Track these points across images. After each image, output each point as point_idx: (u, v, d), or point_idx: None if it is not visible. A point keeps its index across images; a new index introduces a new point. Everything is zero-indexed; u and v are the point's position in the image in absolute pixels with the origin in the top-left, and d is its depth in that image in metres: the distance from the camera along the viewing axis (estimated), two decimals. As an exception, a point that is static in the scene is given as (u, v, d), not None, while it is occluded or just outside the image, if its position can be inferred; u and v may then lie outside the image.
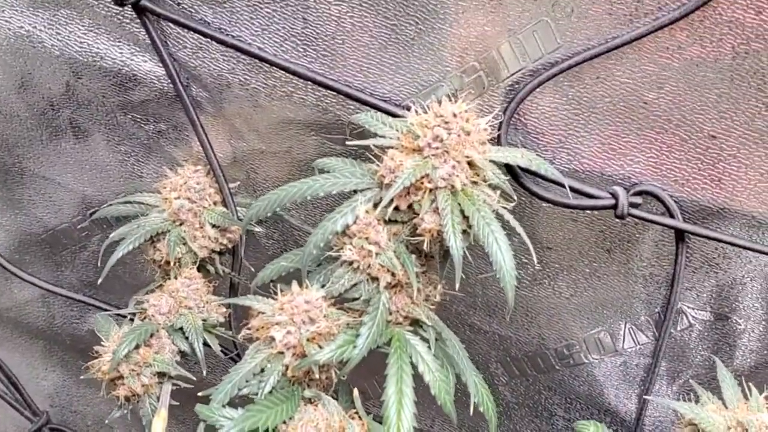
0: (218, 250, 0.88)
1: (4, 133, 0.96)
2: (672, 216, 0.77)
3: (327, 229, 0.70)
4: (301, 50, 0.78)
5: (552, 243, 0.83)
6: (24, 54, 0.87)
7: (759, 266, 0.81)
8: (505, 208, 0.69)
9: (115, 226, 0.94)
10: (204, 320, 0.84)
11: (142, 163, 0.93)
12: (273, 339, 0.70)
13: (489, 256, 0.66)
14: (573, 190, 0.75)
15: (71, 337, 1.21)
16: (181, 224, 0.85)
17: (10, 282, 1.17)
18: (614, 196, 0.76)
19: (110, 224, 1.01)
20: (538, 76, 0.73)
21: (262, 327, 0.72)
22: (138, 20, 0.80)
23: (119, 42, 0.84)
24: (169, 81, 0.83)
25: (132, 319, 0.85)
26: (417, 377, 0.71)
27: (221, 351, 0.87)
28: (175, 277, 0.85)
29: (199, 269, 0.87)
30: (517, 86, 0.75)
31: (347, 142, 0.80)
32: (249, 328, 0.73)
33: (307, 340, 0.69)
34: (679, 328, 0.86)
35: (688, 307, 0.85)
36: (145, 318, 0.83)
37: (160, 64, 0.83)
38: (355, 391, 0.70)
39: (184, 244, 0.85)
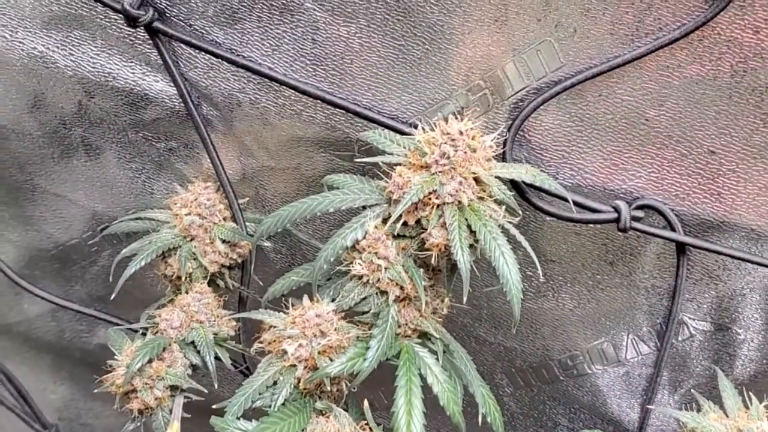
0: (228, 264, 0.89)
1: (16, 151, 0.97)
2: (673, 229, 0.78)
3: (337, 245, 0.72)
4: (311, 70, 0.79)
5: (556, 256, 0.84)
6: (37, 74, 0.88)
7: (758, 278, 0.82)
8: (510, 222, 0.70)
9: (125, 242, 0.94)
10: (215, 334, 0.85)
11: (152, 180, 0.95)
12: (285, 352, 0.72)
13: (495, 269, 0.68)
14: (576, 204, 0.77)
15: (80, 351, 1.22)
16: (191, 240, 0.86)
17: (21, 297, 1.18)
18: (617, 210, 0.77)
19: (120, 240, 1.01)
20: (541, 94, 0.74)
21: (274, 341, 0.73)
22: (150, 41, 0.81)
23: (131, 62, 0.85)
24: (181, 100, 0.84)
25: (144, 334, 0.86)
26: (425, 388, 0.72)
27: (231, 364, 0.87)
28: (186, 292, 0.86)
29: (209, 284, 0.87)
30: (521, 104, 0.76)
31: (356, 159, 0.81)
32: (261, 342, 0.74)
33: (319, 353, 0.71)
34: (680, 339, 0.87)
35: (689, 318, 0.86)
36: (157, 332, 0.84)
37: (172, 84, 0.84)
38: (365, 403, 0.71)
39: (195, 259, 0.86)
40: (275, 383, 0.72)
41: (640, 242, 0.82)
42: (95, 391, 0.83)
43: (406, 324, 0.74)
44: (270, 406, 0.71)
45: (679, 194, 0.78)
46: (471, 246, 0.69)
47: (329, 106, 0.81)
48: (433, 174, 0.69)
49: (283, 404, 0.71)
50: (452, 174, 0.69)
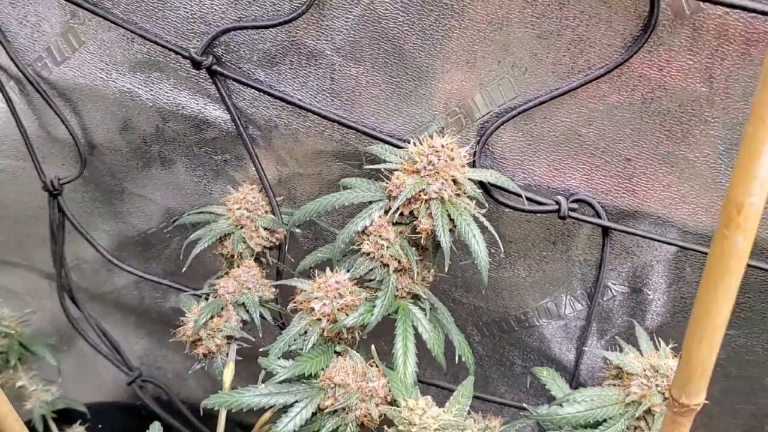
0: (269, 246, 0.89)
1: (110, 163, 0.98)
2: (599, 216, 0.79)
3: (351, 230, 0.73)
4: (329, 100, 0.80)
5: (512, 238, 0.85)
6: (126, 105, 0.89)
7: (663, 252, 0.83)
8: (479, 213, 0.71)
9: (191, 230, 0.95)
10: (260, 297, 0.85)
11: (211, 184, 0.95)
12: (313, 309, 0.72)
13: (469, 247, 0.69)
14: (527, 199, 0.78)
15: (157, 313, 1.23)
16: (241, 228, 0.87)
17: (112, 272, 1.19)
18: (557, 203, 0.78)
19: (187, 229, 1.02)
20: (501, 117, 0.75)
21: (305, 301, 0.74)
22: (210, 80, 0.82)
23: (196, 95, 0.86)
24: (233, 124, 0.85)
25: (207, 298, 0.86)
26: (416, 337, 0.73)
27: (272, 320, 0.88)
28: (238, 266, 0.87)
29: (255, 260, 0.88)
30: (487, 124, 0.77)
31: (364, 167, 0.82)
32: (294, 302, 0.75)
33: (338, 310, 0.72)
34: (605, 299, 0.88)
35: (612, 283, 0.87)
36: (216, 296, 0.85)
37: (226, 112, 0.85)
38: (373, 348, 0.72)
39: (244, 242, 0.87)
40: (306, 332, 0.73)
41: (575, 227, 0.83)
42: (170, 341, 0.84)
43: (402, 288, 0.75)
44: (302, 349, 0.72)
45: (604, 191, 0.79)
46: (450, 230, 0.70)
47: (343, 128, 0.82)
48: (422, 177, 0.70)
49: (312, 348, 0.72)
50: (436, 177, 0.70)
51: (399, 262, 0.73)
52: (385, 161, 0.74)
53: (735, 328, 0.86)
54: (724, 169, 0.73)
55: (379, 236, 0.72)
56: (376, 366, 0.72)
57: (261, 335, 0.84)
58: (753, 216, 0.40)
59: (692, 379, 0.46)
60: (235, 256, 0.87)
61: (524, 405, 0.81)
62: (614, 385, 0.74)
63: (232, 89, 0.83)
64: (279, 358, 0.72)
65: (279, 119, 0.84)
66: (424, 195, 0.70)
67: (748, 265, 0.47)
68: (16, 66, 0.88)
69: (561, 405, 0.74)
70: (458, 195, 0.71)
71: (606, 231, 0.81)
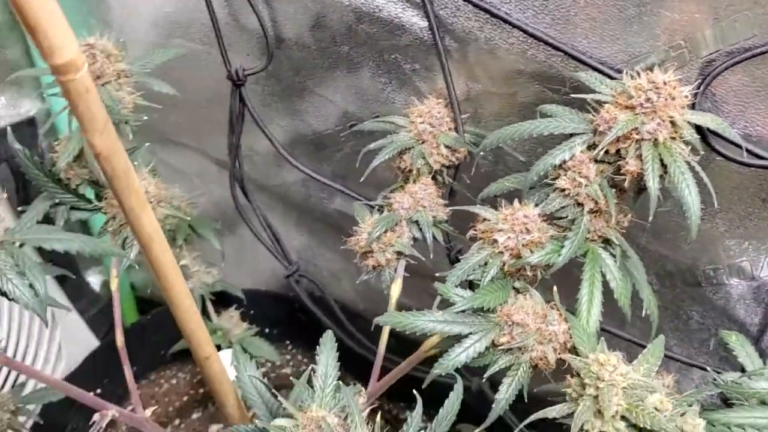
0: (447, 165, 0.86)
1: (296, 59, 0.96)
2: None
3: (548, 162, 0.68)
4: (540, 17, 0.74)
5: (719, 188, 0.78)
6: (321, 1, 0.86)
7: None
8: (694, 160, 0.65)
9: (365, 138, 0.93)
10: (434, 217, 0.83)
11: (395, 93, 0.92)
12: (496, 241, 0.69)
13: (680, 198, 0.63)
14: (747, 151, 0.70)
15: (320, 212, 1.23)
16: (423, 143, 0.84)
17: (282, 167, 1.19)
18: (780, 159, 0.71)
19: (363, 136, 1.00)
20: (733, 58, 0.68)
21: (487, 231, 0.70)
22: (413, -17, 0.78)
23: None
24: (430, 32, 0.81)
25: (380, 210, 0.85)
26: (603, 284, 0.69)
27: (443, 241, 0.86)
28: (414, 182, 0.84)
29: (432, 178, 0.85)
30: (713, 63, 0.69)
31: (570, 95, 0.76)
32: (475, 230, 0.72)
33: (523, 245, 0.68)
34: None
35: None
36: (391, 210, 0.83)
37: (424, 18, 0.81)
38: (554, 289, 0.68)
39: (423, 158, 0.84)
40: (486, 264, 0.70)
41: (791, 186, 0.75)
42: (341, 248, 0.83)
43: (594, 231, 0.70)
44: (480, 281, 0.69)
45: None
46: (660, 176, 0.64)
47: (550, 48, 0.76)
48: (636, 114, 0.64)
49: (491, 281, 0.69)
50: (653, 116, 0.64)
51: (596, 202, 0.67)
52: (594, 91, 0.68)
53: None
54: None
55: (578, 173, 0.67)
56: (557, 309, 0.68)
57: (431, 255, 0.81)
58: None
59: None
60: (414, 172, 0.85)
61: (708, 368, 0.75)
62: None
63: (435, -5, 0.78)
64: (456, 287, 0.69)
65: (480, 32, 0.79)
66: (636, 134, 0.64)
67: None
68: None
69: (750, 377, 0.69)
70: (674, 139, 0.65)
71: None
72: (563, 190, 0.68)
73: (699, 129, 0.69)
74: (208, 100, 1.14)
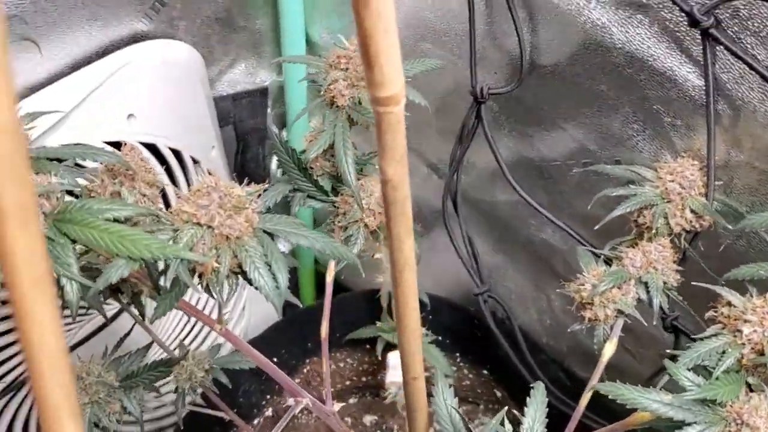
0: (688, 230, 0.82)
1: (543, 86, 0.94)
2: None
3: (820, 262, 0.63)
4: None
5: None
6: (591, 37, 0.84)
7: None
8: None
9: (596, 179, 0.90)
10: (664, 282, 0.79)
11: (646, 142, 0.88)
12: (740, 331, 0.65)
13: None
14: None
15: (524, 239, 1.21)
16: (668, 202, 0.80)
17: (495, 184, 1.17)
18: None
19: (594, 176, 0.97)
20: None
21: (730, 317, 0.67)
22: (698, 41, 0.74)
23: (675, 52, 0.78)
24: (703, 92, 0.77)
25: (607, 262, 0.82)
26: None
27: (665, 309, 0.82)
28: (650, 240, 0.81)
29: (669, 241, 0.81)
30: None
31: None
32: (716, 312, 0.68)
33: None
34: None
35: None
36: (620, 266, 0.79)
37: (701, 78, 0.77)
38: (794, 395, 0.64)
39: (665, 218, 0.80)
40: (724, 352, 0.66)
41: None
42: (557, 291, 0.81)
43: None
44: (713, 368, 0.65)
45: None
46: None
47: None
48: None
49: (724, 372, 0.65)
50: None
51: None
52: None
53: None
54: None
55: None
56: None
57: (654, 322, 0.78)
58: None
59: None
60: (651, 230, 0.81)
61: None
62: None
63: (719, 57, 0.74)
64: (688, 370, 0.65)
65: (761, 104, 0.74)
66: None
67: None
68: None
69: None
70: None
71: None
72: (832, 297, 0.63)
73: None
74: (438, 108, 1.14)
